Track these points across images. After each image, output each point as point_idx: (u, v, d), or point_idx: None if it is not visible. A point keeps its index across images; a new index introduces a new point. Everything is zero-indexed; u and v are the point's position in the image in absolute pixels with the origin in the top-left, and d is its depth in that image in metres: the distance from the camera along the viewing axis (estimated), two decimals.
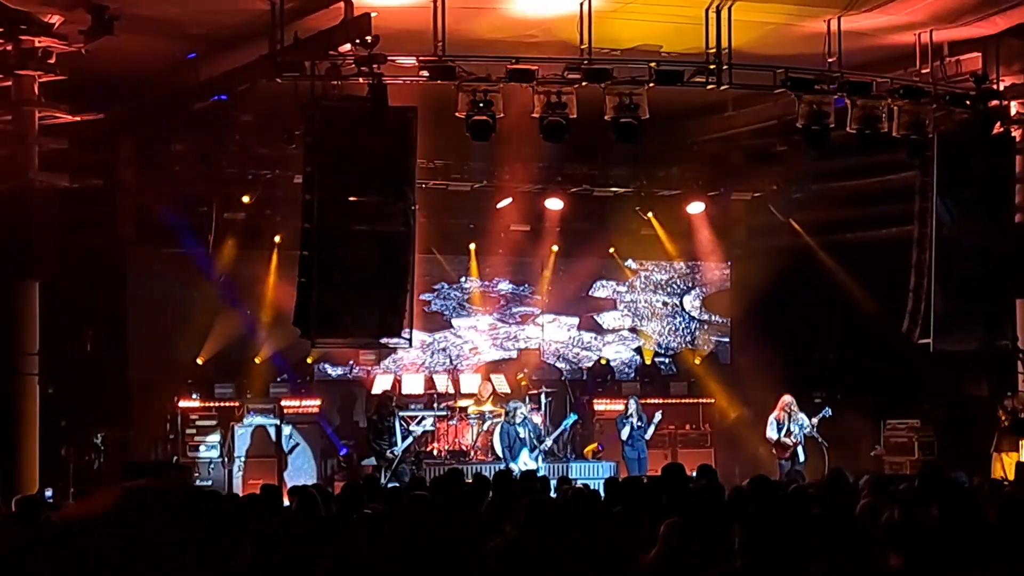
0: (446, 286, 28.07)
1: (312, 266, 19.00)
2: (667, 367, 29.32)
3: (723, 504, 12.22)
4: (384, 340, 20.83)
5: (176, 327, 24.90)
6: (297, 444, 24.84)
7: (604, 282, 29.32)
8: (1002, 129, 22.32)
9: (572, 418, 25.27)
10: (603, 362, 28.92)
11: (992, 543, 9.83)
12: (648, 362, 29.28)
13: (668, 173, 27.65)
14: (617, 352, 29.28)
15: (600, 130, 20.18)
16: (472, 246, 27.90)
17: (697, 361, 29.46)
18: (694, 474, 15.24)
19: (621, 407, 25.51)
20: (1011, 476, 19.51)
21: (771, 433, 23.25)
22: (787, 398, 23.45)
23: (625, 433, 24.31)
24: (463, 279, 28.18)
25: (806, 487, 14.17)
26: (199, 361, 25.08)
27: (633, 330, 29.43)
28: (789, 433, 23.06)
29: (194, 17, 19.64)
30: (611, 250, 28.92)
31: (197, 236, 24.64)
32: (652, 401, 26.82)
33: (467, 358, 28.10)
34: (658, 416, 24.72)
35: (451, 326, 28.18)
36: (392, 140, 19.35)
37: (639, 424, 24.36)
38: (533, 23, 20.04)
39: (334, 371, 26.83)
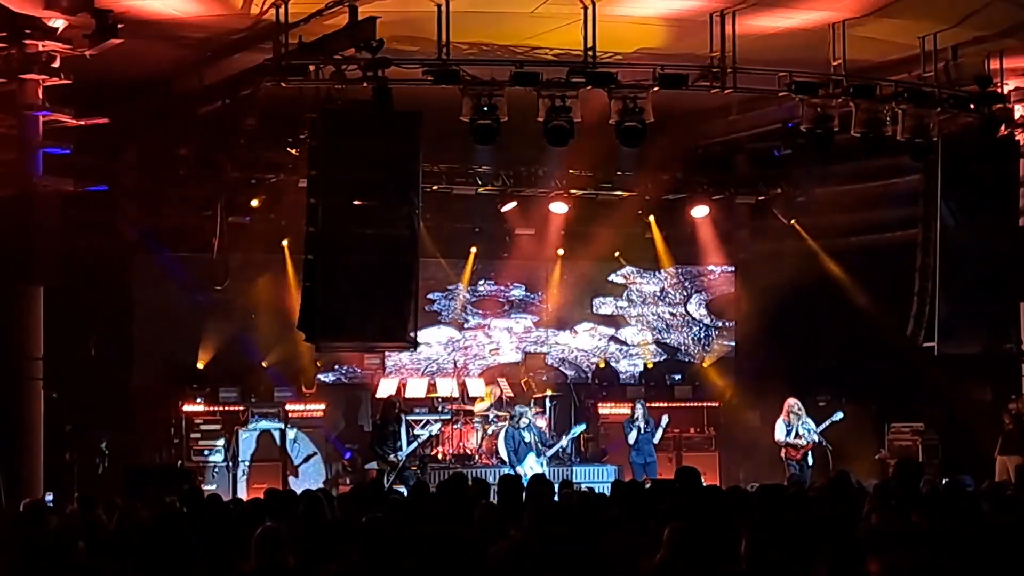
0: (450, 289, 28.08)
1: (317, 270, 19.02)
2: (672, 377, 29.28)
3: (728, 508, 12.22)
4: (388, 343, 20.88)
5: (181, 332, 24.90)
6: (314, 454, 24.88)
7: (608, 286, 29.33)
8: (1006, 133, 22.32)
9: (581, 427, 25.23)
10: (601, 365, 28.93)
11: (994, 546, 9.85)
12: (650, 367, 29.28)
13: (672, 177, 27.64)
14: (632, 364, 29.33)
15: (604, 134, 20.19)
16: (473, 250, 27.90)
17: (706, 364, 29.48)
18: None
19: (626, 411, 25.55)
20: (1014, 479, 19.51)
21: (779, 436, 23.23)
22: (792, 401, 23.44)
23: (632, 437, 24.27)
24: (466, 283, 28.19)
25: (811, 491, 14.18)
26: (199, 365, 25.05)
27: (639, 332, 29.49)
28: (799, 435, 23.06)
29: (199, 21, 19.65)
30: (616, 254, 28.93)
31: (201, 240, 24.64)
32: (657, 404, 26.87)
33: (472, 361, 28.10)
34: (665, 419, 24.70)
35: (457, 329, 28.19)
36: (396, 144, 19.39)
37: (646, 428, 24.34)
38: (537, 27, 20.06)
39: (328, 376, 26.79)
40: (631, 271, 29.38)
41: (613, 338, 29.27)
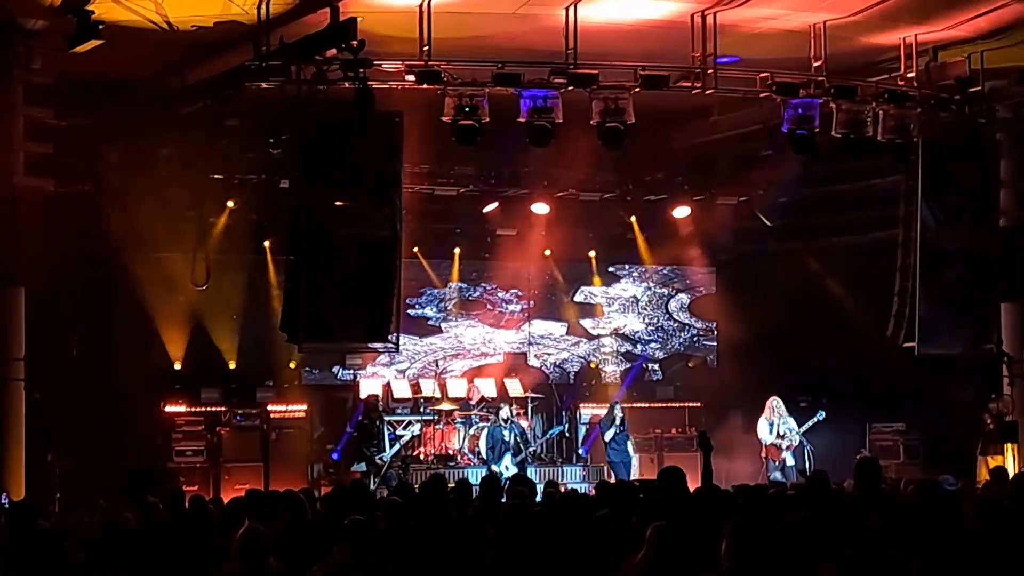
0: (432, 290, 28.08)
1: (299, 271, 19.00)
2: (654, 372, 29.36)
3: (710, 507, 12.24)
4: (370, 344, 20.86)
5: (162, 332, 24.85)
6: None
7: (590, 287, 29.36)
8: (987, 133, 22.37)
9: (560, 428, 25.39)
10: (593, 366, 28.97)
11: (971, 547, 9.89)
12: (646, 368, 29.33)
13: (654, 178, 27.66)
14: (603, 358, 29.35)
15: (586, 134, 20.21)
16: (457, 250, 27.88)
17: (691, 365, 29.51)
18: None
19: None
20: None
21: (763, 435, 23.39)
22: (774, 400, 23.59)
23: (609, 435, 24.41)
24: (449, 284, 28.19)
25: (790, 490, 14.21)
26: (176, 366, 25.03)
27: (619, 334, 29.50)
28: (781, 436, 23.20)
29: (180, 21, 19.62)
30: (591, 254, 28.91)
31: (183, 241, 24.58)
32: (639, 405, 27.05)
33: (454, 361, 28.10)
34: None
35: (439, 330, 28.20)
36: (378, 145, 19.36)
37: (622, 429, 24.45)
38: (518, 28, 20.05)
39: (315, 377, 26.79)
40: (611, 272, 29.38)
41: (572, 329, 29.28)
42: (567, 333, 29.22)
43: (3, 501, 17.40)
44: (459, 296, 28.38)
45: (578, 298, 29.35)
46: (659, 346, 29.81)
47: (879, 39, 21.01)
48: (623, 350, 29.47)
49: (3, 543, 11.70)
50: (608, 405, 25.43)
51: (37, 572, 10.83)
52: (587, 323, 29.37)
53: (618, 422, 24.47)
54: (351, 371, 26.98)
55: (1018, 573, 9.84)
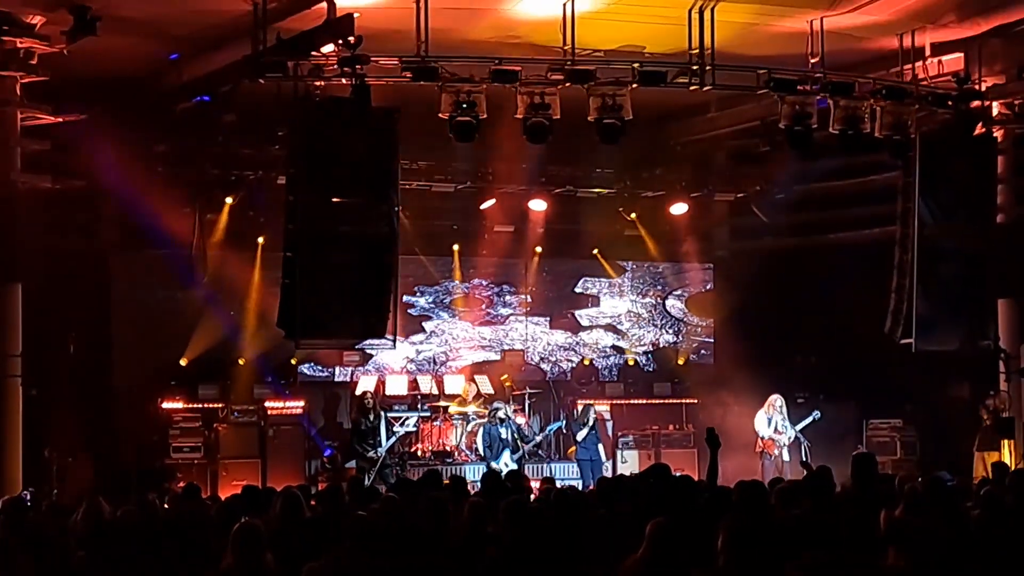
0: (429, 287, 28.05)
1: (296, 267, 18.96)
2: (648, 366, 29.36)
3: (707, 503, 12.24)
4: (367, 341, 20.85)
5: (159, 329, 24.84)
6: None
7: (587, 282, 29.35)
8: (984, 130, 22.38)
9: (557, 424, 25.41)
10: (587, 363, 28.95)
11: (974, 543, 9.90)
12: (631, 363, 29.29)
13: (651, 174, 27.63)
14: (602, 353, 29.33)
15: (583, 131, 20.20)
16: (456, 247, 27.87)
17: (681, 362, 29.51)
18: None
19: (604, 408, 25.69)
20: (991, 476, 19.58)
21: (760, 429, 23.44)
22: (775, 397, 23.65)
23: (581, 435, 24.42)
24: (447, 281, 28.16)
25: (789, 486, 14.19)
26: (182, 363, 25.04)
27: (615, 330, 29.47)
28: (779, 431, 23.28)
29: (177, 18, 19.62)
30: (595, 251, 28.91)
31: (180, 238, 24.58)
32: (636, 402, 27.02)
33: (451, 359, 28.07)
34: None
35: (435, 327, 28.17)
36: (375, 141, 19.33)
37: (592, 431, 24.50)
38: (516, 24, 20.04)
39: (316, 372, 26.77)
40: (609, 268, 29.35)
41: (568, 326, 29.26)
42: (568, 330, 29.24)
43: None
44: (456, 293, 28.33)
45: (574, 293, 29.32)
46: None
47: (877, 36, 21.01)
48: (621, 346, 29.48)
49: (2, 541, 11.69)
50: (583, 405, 25.40)
51: (36, 569, 10.82)
52: (583, 320, 29.34)
53: (590, 424, 24.47)
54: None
55: (1018, 569, 9.85)
